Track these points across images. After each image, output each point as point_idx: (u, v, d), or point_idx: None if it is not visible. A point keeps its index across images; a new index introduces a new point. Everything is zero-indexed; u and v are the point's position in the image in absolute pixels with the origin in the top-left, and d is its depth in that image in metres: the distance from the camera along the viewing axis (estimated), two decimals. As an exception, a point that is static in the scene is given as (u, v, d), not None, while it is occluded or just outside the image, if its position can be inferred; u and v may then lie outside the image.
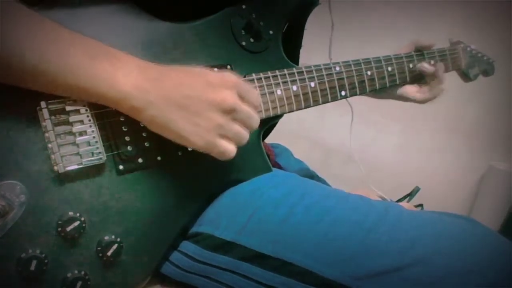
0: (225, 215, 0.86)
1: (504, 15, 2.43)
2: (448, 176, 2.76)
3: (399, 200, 1.21)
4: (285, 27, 0.99)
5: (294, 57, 1.05)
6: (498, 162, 2.77)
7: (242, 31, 0.91)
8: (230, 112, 0.75)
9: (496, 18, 2.45)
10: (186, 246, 0.87)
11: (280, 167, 1.18)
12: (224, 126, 0.75)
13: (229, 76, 0.77)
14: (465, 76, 1.38)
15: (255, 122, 0.80)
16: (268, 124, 0.95)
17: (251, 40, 0.92)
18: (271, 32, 0.95)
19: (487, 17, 2.45)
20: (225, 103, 0.74)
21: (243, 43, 0.91)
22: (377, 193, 1.18)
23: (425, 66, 1.19)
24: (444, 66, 1.22)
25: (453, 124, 2.68)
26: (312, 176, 1.29)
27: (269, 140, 1.20)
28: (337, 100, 1.02)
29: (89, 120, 0.74)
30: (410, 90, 1.23)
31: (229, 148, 0.77)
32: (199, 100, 0.73)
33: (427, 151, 2.71)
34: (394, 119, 2.57)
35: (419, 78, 1.23)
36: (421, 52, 1.21)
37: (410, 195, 1.24)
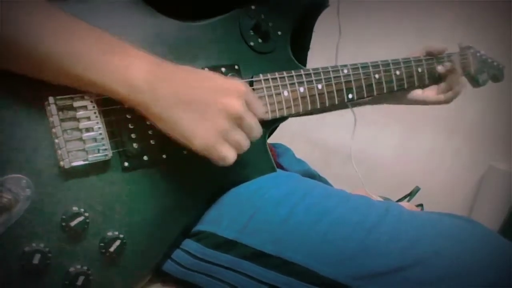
0: (227, 214, 0.87)
1: (505, 15, 2.43)
2: (448, 176, 2.76)
3: (399, 200, 1.22)
4: (294, 28, 0.98)
5: (302, 59, 1.05)
6: (498, 162, 2.77)
7: (251, 31, 0.91)
8: (236, 119, 0.76)
9: (497, 18, 2.45)
10: (188, 244, 0.88)
11: (282, 167, 1.18)
12: (228, 132, 0.75)
13: (240, 84, 0.78)
14: (474, 81, 1.36)
15: (258, 133, 0.81)
16: (273, 125, 0.95)
17: (259, 40, 0.92)
18: (279, 33, 0.95)
19: (488, 17, 2.45)
20: (233, 110, 0.75)
21: (251, 43, 0.92)
22: (376, 196, 1.18)
23: (440, 68, 1.20)
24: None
25: (453, 124, 2.68)
26: (313, 176, 1.28)
27: (270, 140, 1.20)
28: (344, 102, 1.02)
29: (96, 117, 0.74)
30: (430, 93, 1.24)
31: (229, 154, 0.77)
32: (209, 102, 0.74)
33: (427, 151, 2.71)
34: (394, 119, 2.57)
35: (431, 81, 1.22)
36: (431, 56, 1.21)
37: (410, 195, 1.25)
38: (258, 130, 0.81)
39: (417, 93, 1.24)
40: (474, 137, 2.75)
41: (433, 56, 1.21)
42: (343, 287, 0.74)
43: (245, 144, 0.79)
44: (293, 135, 1.95)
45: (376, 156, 2.52)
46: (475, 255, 0.73)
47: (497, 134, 2.73)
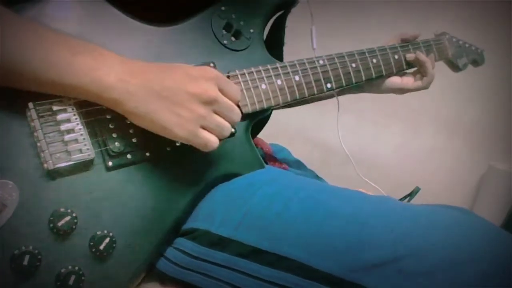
0: (220, 211, 0.86)
1: (504, 15, 2.43)
2: (448, 176, 2.76)
3: (399, 200, 1.21)
4: (266, 25, 1.01)
5: (278, 55, 1.07)
6: (498, 162, 2.76)
7: (223, 30, 0.94)
8: (211, 103, 0.77)
9: (496, 18, 2.45)
10: (183, 242, 0.87)
11: (278, 161, 1.18)
12: (205, 117, 0.77)
13: (209, 69, 0.80)
14: (453, 66, 1.40)
15: (236, 115, 0.82)
16: (256, 118, 0.97)
17: (232, 38, 0.95)
18: (251, 30, 0.97)
19: (487, 17, 2.46)
20: (206, 95, 0.76)
21: (225, 42, 0.94)
22: (377, 189, 1.18)
23: (409, 55, 1.24)
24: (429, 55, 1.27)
25: (453, 124, 2.68)
26: (311, 176, 1.29)
27: (269, 140, 1.20)
28: (324, 92, 1.04)
29: (76, 119, 0.76)
30: (408, 81, 1.27)
31: (211, 139, 0.79)
32: (180, 91, 0.75)
33: (427, 151, 2.71)
34: (395, 119, 2.57)
35: (409, 67, 1.26)
36: (406, 43, 1.24)
37: (410, 195, 1.24)
38: (236, 113, 0.82)
39: (395, 80, 1.26)
40: (474, 137, 2.75)
41: (408, 43, 1.25)
42: (338, 280, 0.73)
43: (226, 127, 0.81)
44: (291, 135, 1.95)
45: (376, 156, 2.52)
46: (469, 245, 0.71)
47: (497, 134, 2.72)
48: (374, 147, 2.53)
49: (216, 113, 0.79)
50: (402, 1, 2.40)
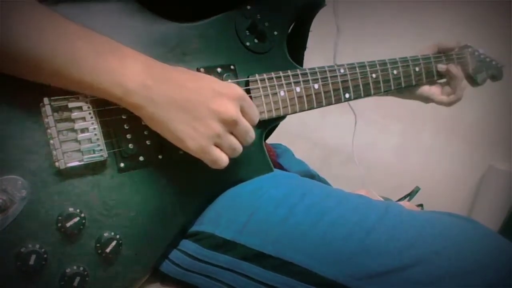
0: (226, 214, 0.86)
1: (504, 15, 2.43)
2: (448, 176, 2.76)
3: (399, 200, 1.21)
4: (290, 28, 0.98)
5: (298, 59, 1.05)
6: (498, 162, 2.76)
7: (247, 31, 0.92)
8: (229, 123, 0.77)
9: (496, 18, 2.45)
10: (187, 245, 0.87)
11: (281, 168, 1.17)
12: (221, 136, 0.76)
13: (235, 88, 0.79)
14: (472, 81, 1.35)
15: (251, 138, 0.82)
16: (270, 125, 0.95)
17: (255, 40, 0.93)
18: (275, 33, 0.95)
19: (487, 17, 2.45)
20: (227, 114, 0.76)
21: (247, 44, 0.92)
22: (378, 196, 1.18)
23: (440, 66, 1.23)
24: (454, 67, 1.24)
25: (453, 124, 2.67)
26: (313, 176, 1.28)
27: (270, 139, 1.19)
28: (341, 102, 1.02)
29: (91, 118, 0.74)
30: (436, 91, 1.26)
31: (222, 158, 0.78)
32: (202, 105, 0.75)
33: (427, 151, 2.70)
34: (394, 119, 2.57)
35: (429, 81, 1.23)
36: (427, 55, 1.21)
37: (410, 195, 1.24)
38: (251, 136, 0.82)
39: (424, 89, 1.25)
40: (474, 137, 2.74)
41: (430, 55, 1.22)
42: (343, 287, 0.74)
43: (238, 149, 0.80)
44: (293, 135, 1.95)
45: (376, 156, 2.52)
46: (475, 255, 0.72)
47: (497, 134, 2.72)
48: (374, 147, 2.52)
49: (231, 133, 0.79)
50: (403, 1, 2.39)
